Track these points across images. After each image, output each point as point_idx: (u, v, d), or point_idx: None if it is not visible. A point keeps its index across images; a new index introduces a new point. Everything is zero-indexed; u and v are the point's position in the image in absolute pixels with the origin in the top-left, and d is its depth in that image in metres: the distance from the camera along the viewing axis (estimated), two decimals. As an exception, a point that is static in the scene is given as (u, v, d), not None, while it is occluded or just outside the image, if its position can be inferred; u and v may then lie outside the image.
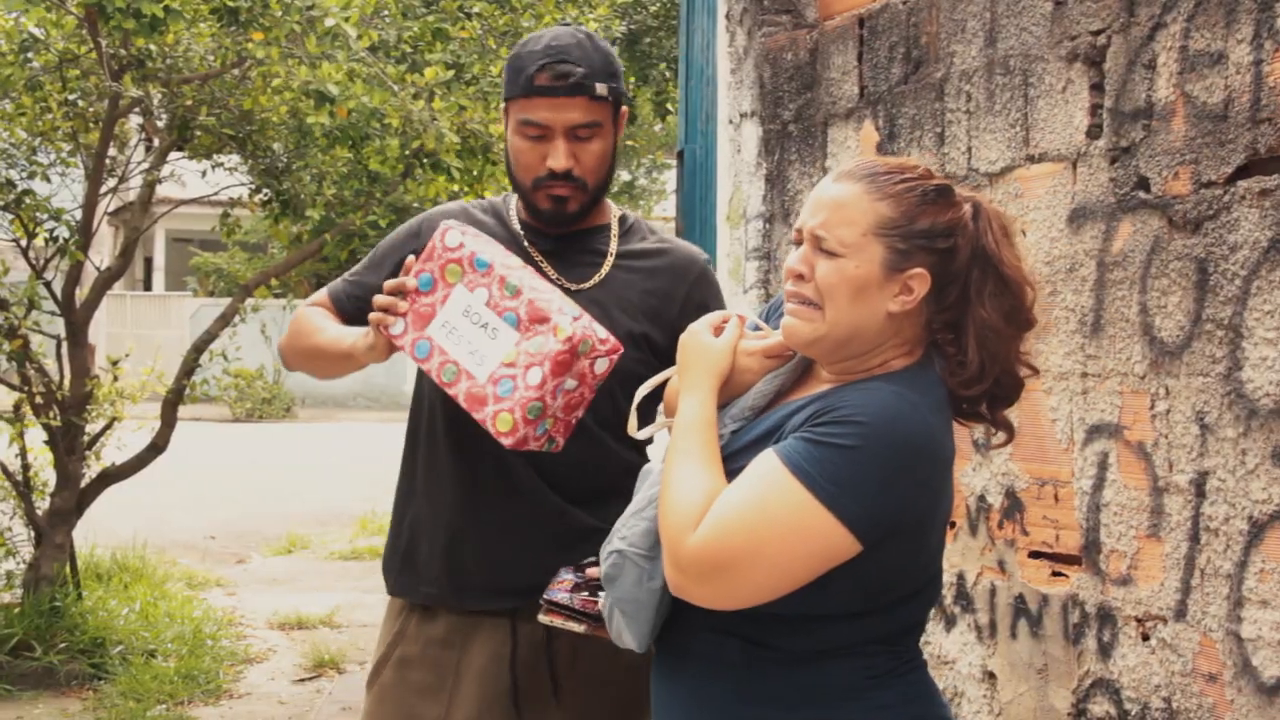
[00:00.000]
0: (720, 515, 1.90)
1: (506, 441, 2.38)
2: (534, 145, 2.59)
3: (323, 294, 2.77)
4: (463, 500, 2.63)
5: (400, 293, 2.45)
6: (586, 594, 2.33)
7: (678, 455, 2.01)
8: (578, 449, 2.60)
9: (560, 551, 2.54)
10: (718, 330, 2.15)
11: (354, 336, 2.55)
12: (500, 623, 2.63)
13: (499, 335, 2.40)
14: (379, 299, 2.46)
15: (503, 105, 2.67)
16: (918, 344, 2.04)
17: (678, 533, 1.92)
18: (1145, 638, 2.83)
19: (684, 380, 2.11)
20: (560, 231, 2.68)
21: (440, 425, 2.66)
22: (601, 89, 2.59)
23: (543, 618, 2.35)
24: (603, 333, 2.44)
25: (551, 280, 2.61)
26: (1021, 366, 2.07)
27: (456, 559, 2.63)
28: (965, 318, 2.01)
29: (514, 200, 2.76)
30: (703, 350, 2.12)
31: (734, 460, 2.00)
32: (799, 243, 2.05)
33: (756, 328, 2.20)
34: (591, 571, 2.41)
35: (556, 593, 2.35)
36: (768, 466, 1.91)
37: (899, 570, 1.98)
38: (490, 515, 2.62)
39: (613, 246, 2.72)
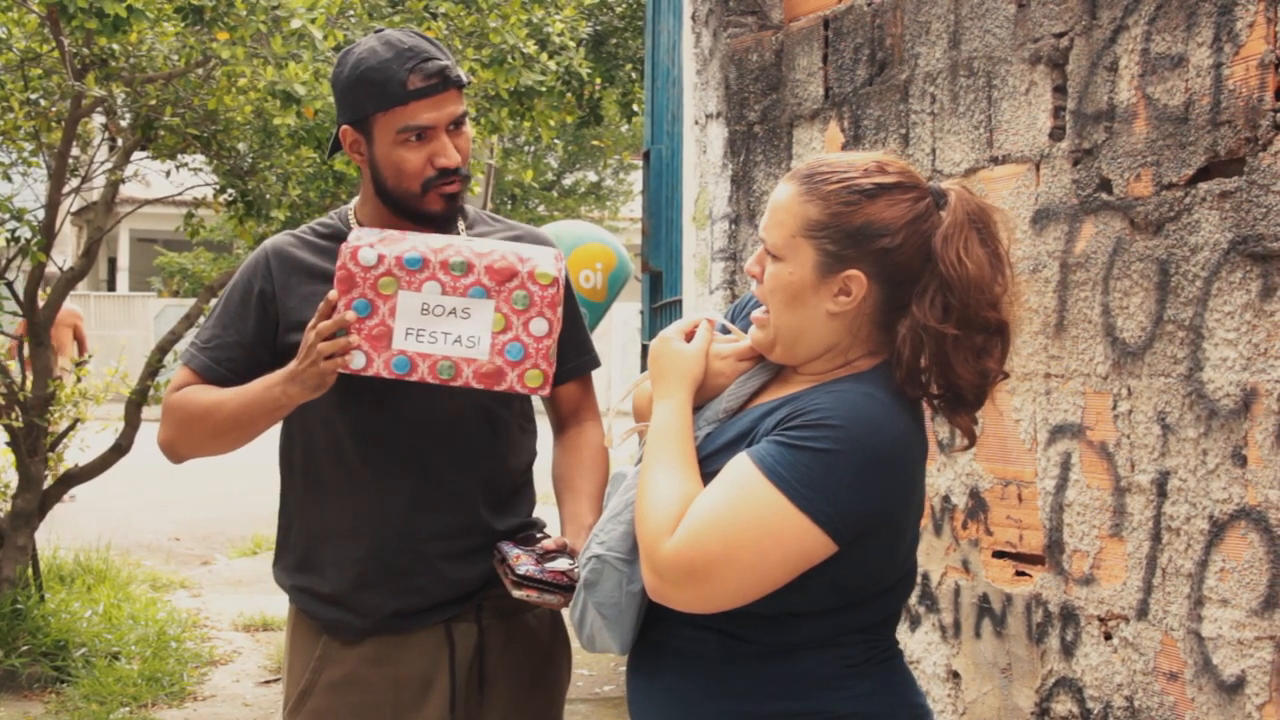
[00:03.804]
0: (695, 520, 1.90)
1: (543, 392, 2.45)
2: (417, 150, 2.51)
3: (185, 374, 2.59)
4: (397, 526, 2.57)
5: (342, 328, 2.36)
6: (550, 565, 2.35)
7: (654, 461, 2.02)
8: (508, 447, 2.67)
9: (490, 554, 2.55)
10: (688, 336, 2.15)
11: (276, 390, 2.43)
12: (434, 630, 2.60)
13: (474, 312, 2.39)
14: (325, 346, 2.35)
15: (357, 122, 2.55)
16: (883, 343, 2.03)
17: (654, 538, 1.93)
18: (1107, 637, 2.85)
19: (657, 387, 2.11)
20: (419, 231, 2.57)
21: (352, 460, 2.58)
22: (464, 76, 2.57)
23: (517, 593, 2.35)
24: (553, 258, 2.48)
25: None
26: (982, 371, 1.99)
27: (394, 587, 2.58)
28: (908, 320, 1.97)
29: (350, 215, 2.66)
30: (675, 357, 2.12)
31: (709, 463, 2.01)
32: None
33: (725, 330, 2.20)
34: (546, 544, 2.43)
35: (522, 566, 2.35)
36: (742, 471, 1.92)
37: (875, 568, 1.99)
38: (427, 532, 2.58)
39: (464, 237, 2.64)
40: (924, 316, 1.95)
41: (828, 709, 1.98)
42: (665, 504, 1.95)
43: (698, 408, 2.11)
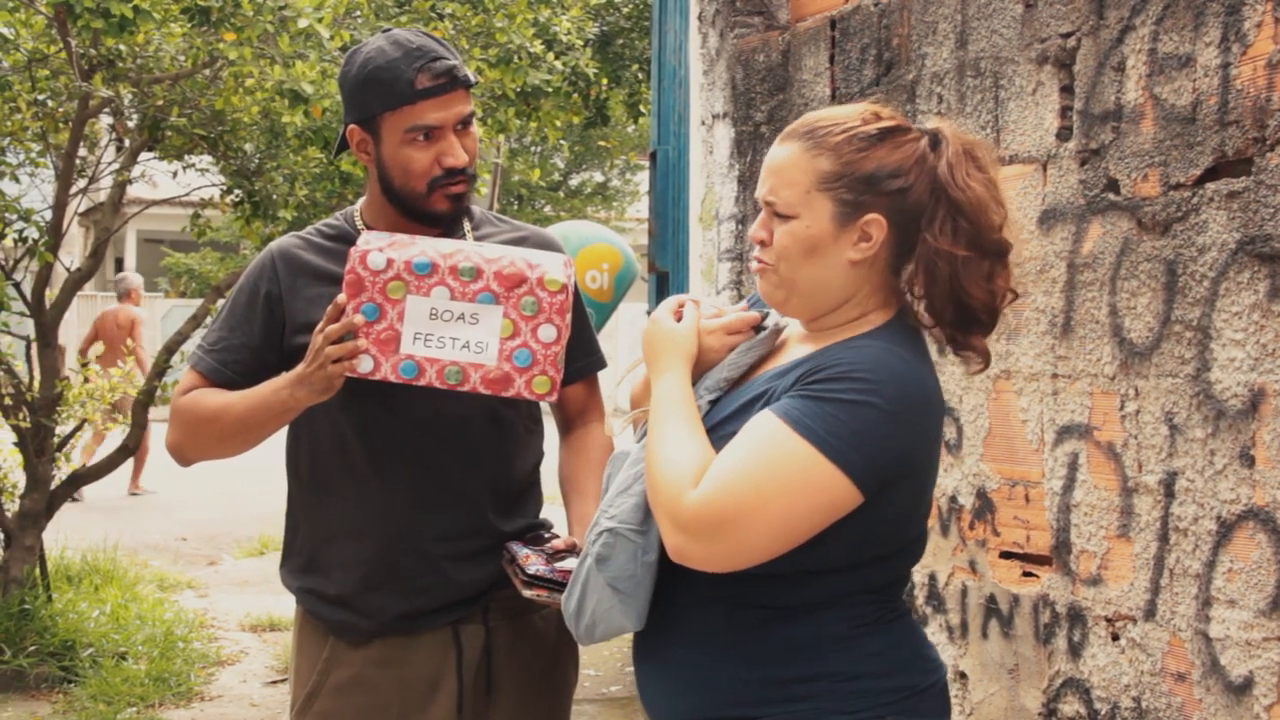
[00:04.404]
0: (722, 473, 1.92)
1: (550, 399, 2.46)
2: (425, 150, 2.50)
3: (193, 377, 2.60)
4: (403, 526, 2.57)
5: (350, 331, 2.36)
6: (559, 565, 2.35)
7: (663, 426, 2.03)
8: (514, 448, 2.67)
9: (497, 555, 2.55)
10: (678, 316, 2.19)
11: (283, 393, 2.43)
12: (441, 632, 2.60)
13: (482, 318, 2.40)
14: (333, 350, 2.35)
15: (364, 122, 2.55)
16: (891, 293, 2.07)
17: (676, 493, 1.93)
18: (1115, 637, 2.85)
19: (654, 365, 2.14)
20: (426, 233, 2.57)
21: (358, 460, 2.58)
22: (472, 77, 2.57)
23: (527, 593, 2.36)
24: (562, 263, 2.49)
25: None
26: (993, 291, 2.04)
27: (400, 588, 2.58)
28: (920, 249, 2.03)
29: (356, 216, 2.66)
30: (668, 336, 2.15)
31: (718, 430, 2.02)
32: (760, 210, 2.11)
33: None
34: (556, 544, 2.43)
35: (532, 566, 2.36)
36: (767, 425, 1.93)
37: (896, 521, 2.01)
38: (433, 533, 2.58)
39: (471, 240, 2.65)
40: (935, 240, 2.00)
41: (840, 670, 1.99)
42: (682, 462, 1.96)
43: (695, 383, 2.14)
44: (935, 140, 2.05)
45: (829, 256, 2.03)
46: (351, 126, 2.57)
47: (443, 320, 2.39)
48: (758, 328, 2.21)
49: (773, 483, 1.89)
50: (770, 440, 1.92)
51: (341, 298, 2.38)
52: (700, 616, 2.04)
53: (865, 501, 1.92)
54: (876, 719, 1.99)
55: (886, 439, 1.92)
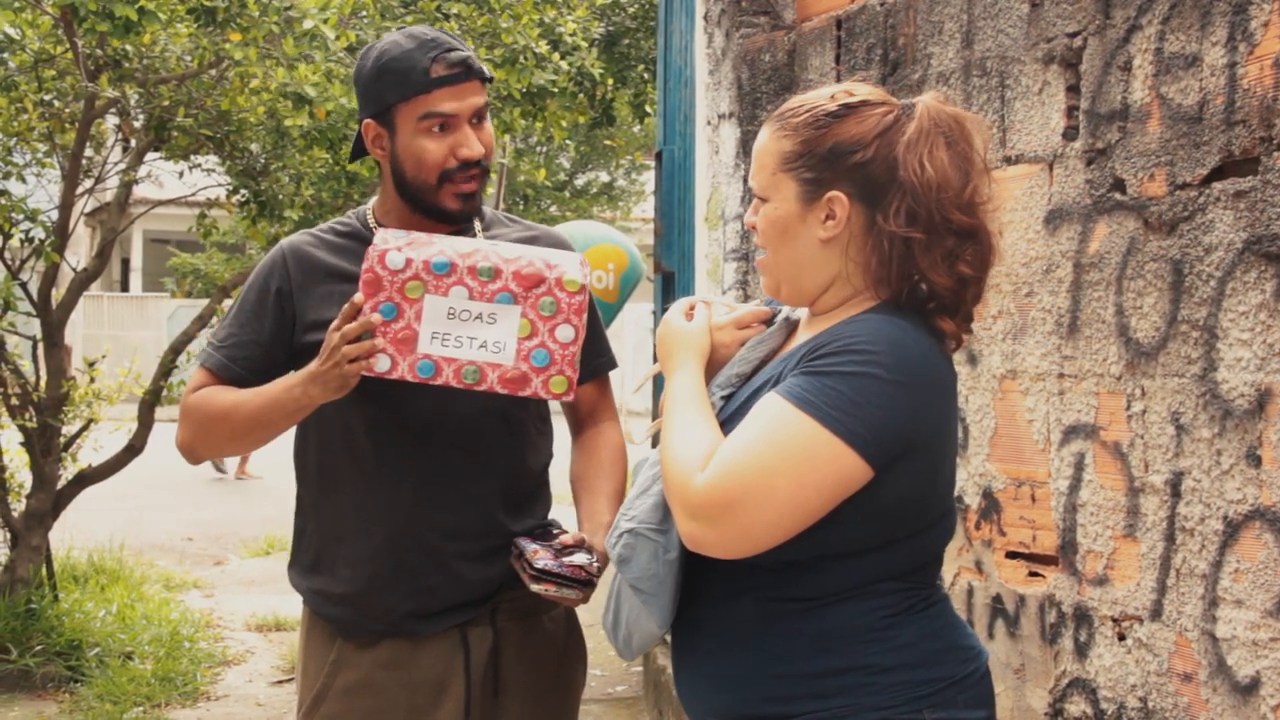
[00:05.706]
0: (728, 454, 1.91)
1: (567, 398, 2.47)
2: (439, 140, 2.50)
3: (202, 375, 2.59)
4: (410, 524, 2.57)
5: (367, 330, 2.36)
6: (568, 560, 2.35)
7: (675, 418, 2.03)
8: (525, 448, 2.67)
9: (505, 555, 2.54)
10: (689, 316, 2.21)
11: (296, 390, 2.42)
12: (449, 635, 2.59)
13: (500, 317, 2.40)
14: (350, 349, 2.35)
15: (379, 115, 2.54)
16: (883, 268, 2.03)
17: (685, 478, 1.93)
18: (1121, 637, 2.84)
19: (668, 364, 2.15)
20: (438, 231, 2.57)
21: (366, 458, 2.58)
22: (487, 70, 2.57)
23: (535, 587, 2.34)
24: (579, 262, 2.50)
25: None
26: (957, 276, 2.00)
27: (406, 588, 2.57)
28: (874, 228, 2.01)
29: (369, 215, 2.66)
30: (679, 334, 2.17)
31: (731, 423, 2.01)
32: None
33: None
34: (564, 539, 2.43)
35: (540, 561, 2.35)
36: (771, 406, 1.93)
37: (912, 498, 1.98)
38: (441, 532, 2.57)
39: (483, 239, 2.63)
40: (886, 222, 1.98)
41: (870, 663, 1.97)
42: (693, 450, 1.95)
43: (709, 381, 2.15)
44: (908, 114, 2.04)
45: (800, 237, 2.05)
46: (366, 121, 2.56)
47: (460, 320, 2.39)
48: (769, 322, 2.21)
49: (777, 460, 1.88)
50: (773, 419, 1.91)
51: (359, 296, 2.38)
52: (729, 613, 2.03)
53: (876, 476, 1.91)
54: (913, 713, 1.96)
55: (890, 408, 1.90)
